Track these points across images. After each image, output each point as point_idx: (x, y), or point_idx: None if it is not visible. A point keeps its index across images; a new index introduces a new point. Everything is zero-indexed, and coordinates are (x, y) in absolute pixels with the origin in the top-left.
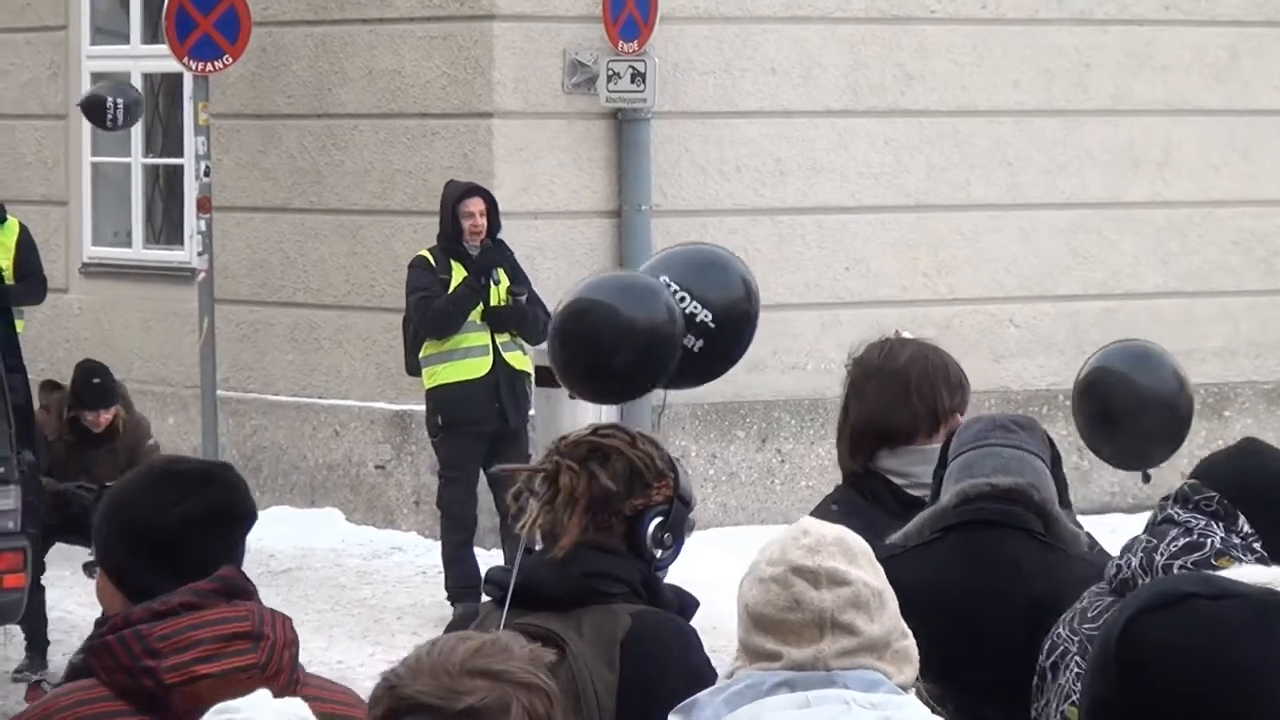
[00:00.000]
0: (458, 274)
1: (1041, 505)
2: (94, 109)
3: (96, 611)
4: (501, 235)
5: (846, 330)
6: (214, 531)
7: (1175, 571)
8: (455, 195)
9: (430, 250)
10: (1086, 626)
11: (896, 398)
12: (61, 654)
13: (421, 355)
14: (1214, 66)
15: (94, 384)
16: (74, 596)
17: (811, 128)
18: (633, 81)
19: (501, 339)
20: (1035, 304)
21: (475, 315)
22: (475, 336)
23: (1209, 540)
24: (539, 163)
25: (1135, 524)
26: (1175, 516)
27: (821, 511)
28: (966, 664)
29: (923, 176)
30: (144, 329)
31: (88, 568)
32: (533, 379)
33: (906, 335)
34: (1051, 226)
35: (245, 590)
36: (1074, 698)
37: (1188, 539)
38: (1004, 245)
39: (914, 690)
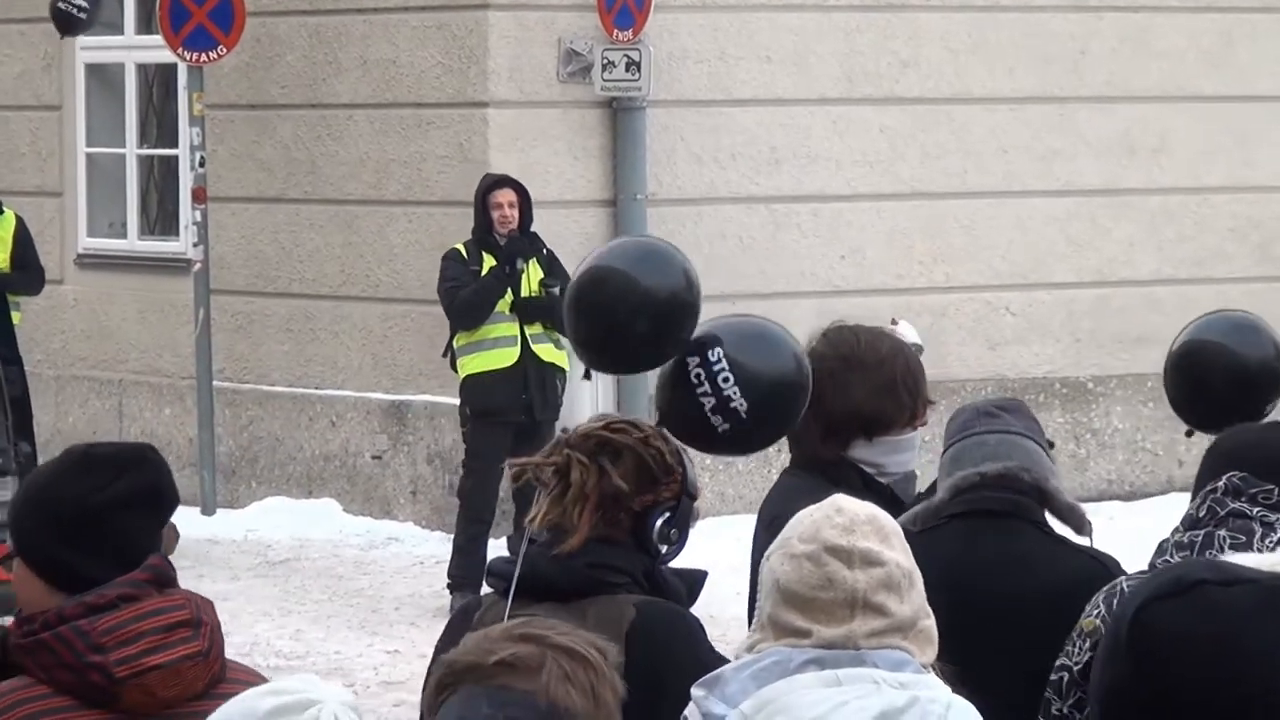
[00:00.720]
0: (489, 264)
1: (1035, 484)
2: (64, 20)
3: None
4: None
5: (842, 318)
6: (142, 513)
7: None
8: (485, 187)
9: (464, 243)
10: None
11: (884, 389)
12: None
13: (455, 345)
14: (1210, 53)
15: None
16: None
17: (806, 116)
18: (627, 70)
19: (532, 330)
20: (1031, 291)
21: (504, 306)
22: (504, 327)
23: None
24: (534, 152)
25: (1131, 512)
26: (1247, 511)
27: (788, 491)
28: (968, 651)
29: (918, 164)
30: (140, 320)
31: None
32: (566, 373)
33: (903, 324)
34: (1047, 214)
35: (173, 579)
36: None
37: (1278, 534)
38: (1000, 232)
39: (932, 669)
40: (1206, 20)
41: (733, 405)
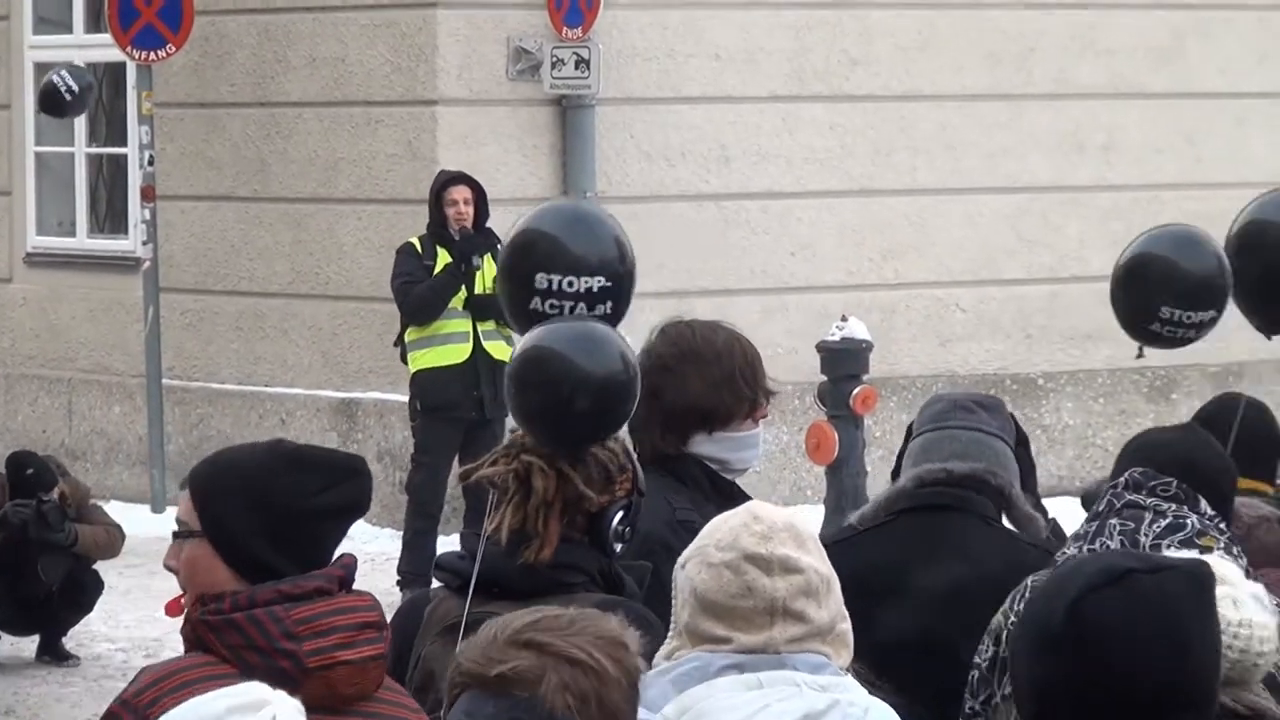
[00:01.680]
0: (443, 260)
1: (1000, 489)
2: (51, 100)
3: None
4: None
5: (793, 315)
6: (343, 522)
7: (1164, 551)
8: (440, 183)
9: (419, 237)
10: None
11: (721, 382)
12: (10, 644)
13: (406, 340)
14: (1158, 50)
15: (27, 475)
16: None
17: (756, 113)
18: (577, 68)
19: (484, 327)
20: (981, 288)
21: (458, 302)
22: (456, 323)
23: (1188, 520)
24: (483, 150)
25: (1082, 508)
26: (1141, 502)
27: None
28: (918, 644)
29: (868, 161)
30: (89, 318)
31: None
32: None
33: (853, 320)
34: (997, 211)
35: (353, 581)
36: None
37: (1167, 520)
38: (949, 229)
39: (849, 672)
40: (1155, 17)
41: (589, 288)
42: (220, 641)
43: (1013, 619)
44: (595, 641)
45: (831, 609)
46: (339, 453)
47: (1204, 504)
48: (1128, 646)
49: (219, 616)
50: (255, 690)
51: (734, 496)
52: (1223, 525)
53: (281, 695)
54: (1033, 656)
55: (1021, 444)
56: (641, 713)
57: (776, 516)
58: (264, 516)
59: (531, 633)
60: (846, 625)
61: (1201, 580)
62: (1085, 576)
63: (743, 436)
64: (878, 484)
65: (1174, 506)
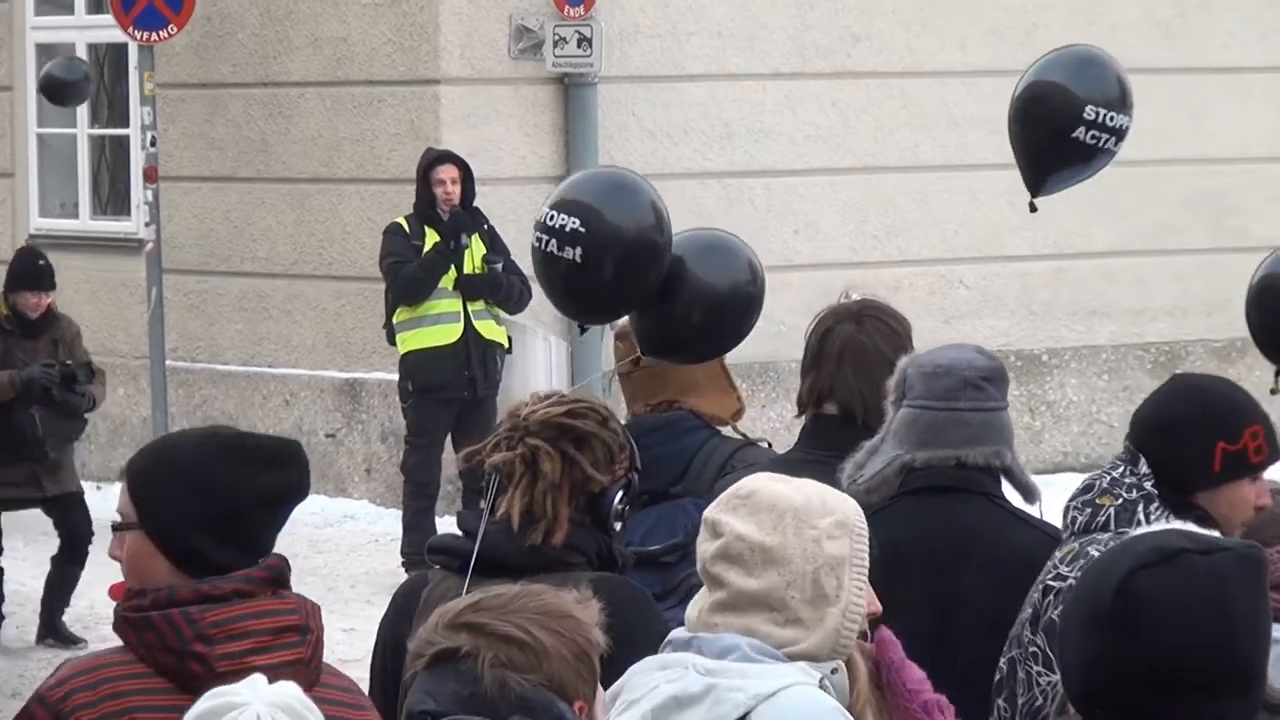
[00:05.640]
0: (431, 240)
1: (1006, 468)
2: (53, 88)
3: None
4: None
5: (797, 293)
6: (282, 508)
7: (1072, 514)
8: (427, 162)
9: (405, 217)
10: None
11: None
12: (15, 627)
13: (395, 321)
14: (1163, 25)
15: (39, 265)
16: (28, 570)
17: (758, 90)
18: (579, 46)
19: (474, 307)
20: (985, 264)
21: (447, 282)
22: (447, 303)
23: (1097, 482)
24: (486, 129)
25: None
26: (1097, 480)
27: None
28: (929, 625)
29: (870, 138)
30: (92, 300)
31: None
32: (506, 349)
33: (856, 296)
34: (1000, 187)
35: (287, 580)
36: None
37: (1085, 481)
38: (953, 206)
39: (840, 661)
40: None
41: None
42: (138, 639)
43: (1050, 599)
44: (534, 617)
45: (770, 580)
46: (275, 437)
47: (1142, 463)
48: (1177, 625)
49: (138, 614)
50: (237, 691)
51: None
52: (1147, 484)
53: (269, 692)
54: (1082, 633)
55: None
56: None
57: (745, 485)
58: (202, 506)
59: (470, 614)
60: (825, 610)
61: (1254, 562)
62: (1137, 554)
63: None
64: None
65: (1109, 465)
